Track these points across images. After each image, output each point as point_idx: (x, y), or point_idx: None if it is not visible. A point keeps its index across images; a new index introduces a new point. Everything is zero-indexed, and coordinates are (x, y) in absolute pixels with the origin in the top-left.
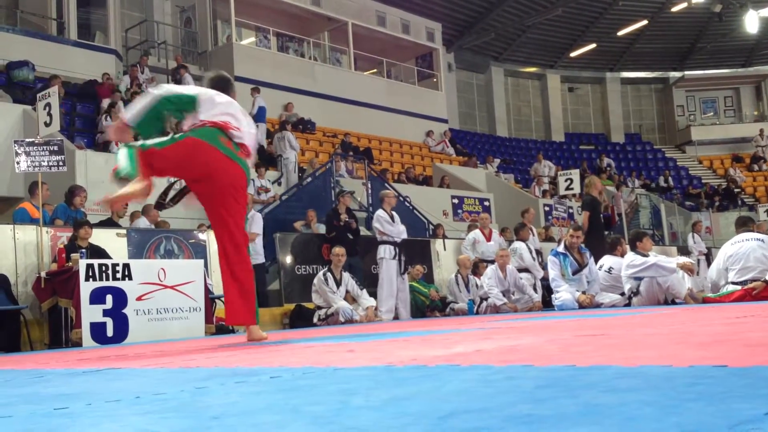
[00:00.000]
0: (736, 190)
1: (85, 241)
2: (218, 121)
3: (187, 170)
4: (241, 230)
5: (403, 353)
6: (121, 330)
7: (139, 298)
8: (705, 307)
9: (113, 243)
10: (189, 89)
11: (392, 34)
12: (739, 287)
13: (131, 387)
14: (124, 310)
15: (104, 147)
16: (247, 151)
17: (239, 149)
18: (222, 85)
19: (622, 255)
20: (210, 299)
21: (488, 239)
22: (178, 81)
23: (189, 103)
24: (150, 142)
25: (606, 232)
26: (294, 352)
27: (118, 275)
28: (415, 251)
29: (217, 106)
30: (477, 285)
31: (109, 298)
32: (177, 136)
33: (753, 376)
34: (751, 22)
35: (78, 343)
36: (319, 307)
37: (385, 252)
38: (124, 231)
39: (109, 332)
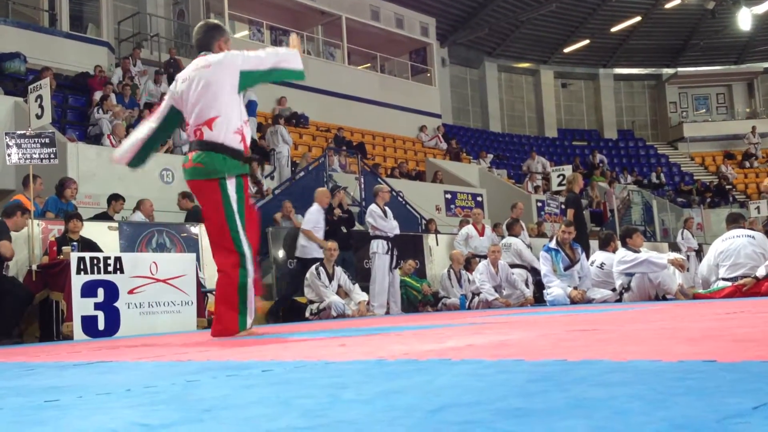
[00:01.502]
0: (727, 186)
1: (76, 234)
2: (191, 132)
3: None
4: (220, 244)
5: (394, 347)
6: (113, 323)
7: (130, 292)
8: (695, 302)
9: (105, 236)
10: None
11: (386, 29)
12: (729, 283)
13: (122, 380)
14: (116, 304)
15: (95, 139)
16: (199, 135)
17: (190, 153)
18: (203, 42)
19: (614, 251)
20: (202, 293)
21: (481, 234)
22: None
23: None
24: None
25: (598, 228)
26: (286, 346)
27: (110, 268)
28: (408, 246)
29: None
30: (469, 280)
31: (100, 291)
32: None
33: (742, 371)
34: (744, 19)
35: (69, 337)
36: (312, 302)
37: (377, 247)
38: (115, 224)
39: (101, 325)
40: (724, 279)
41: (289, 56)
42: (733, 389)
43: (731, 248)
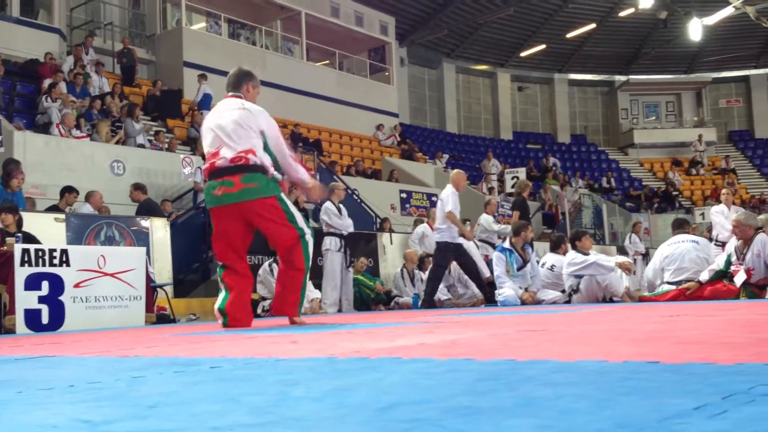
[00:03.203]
0: (674, 192)
1: (10, 228)
2: (205, 168)
3: (229, 238)
4: (283, 243)
5: (346, 345)
6: (57, 317)
7: (76, 285)
8: (641, 305)
9: (51, 228)
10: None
11: (345, 26)
12: (673, 287)
13: (65, 375)
14: (61, 297)
15: (44, 128)
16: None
17: (232, 177)
18: (235, 84)
19: (565, 253)
20: (151, 288)
21: None
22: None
23: None
24: None
25: (549, 230)
26: (236, 342)
27: (56, 261)
28: (362, 244)
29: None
30: (422, 279)
31: (45, 284)
32: None
33: (684, 372)
34: (694, 29)
35: (11, 330)
36: (264, 298)
37: (330, 244)
38: (62, 216)
39: (45, 319)
40: (668, 282)
41: (299, 172)
42: (675, 390)
43: (676, 253)
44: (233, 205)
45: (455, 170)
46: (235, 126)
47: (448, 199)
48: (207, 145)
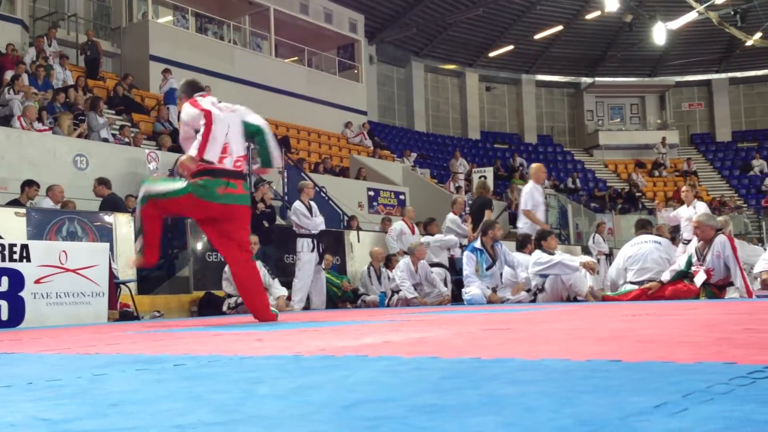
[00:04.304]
0: (637, 194)
1: None
2: (215, 163)
3: (189, 215)
4: (246, 245)
5: (311, 343)
6: (17, 313)
7: (37, 281)
8: (604, 304)
9: (11, 223)
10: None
11: (314, 23)
12: (636, 287)
13: (24, 372)
14: (21, 293)
15: (5, 121)
16: (239, 167)
17: (236, 181)
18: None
19: (530, 253)
20: (114, 284)
21: (413, 232)
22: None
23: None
24: (156, 189)
25: (516, 230)
26: (200, 340)
27: (15, 256)
28: (329, 242)
29: (217, 137)
30: (389, 277)
31: (4, 279)
32: (179, 189)
33: (645, 370)
34: (659, 33)
35: None
36: (230, 296)
37: (303, 246)
38: (23, 210)
39: (4, 316)
40: (631, 282)
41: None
42: (636, 388)
43: (639, 253)
44: (226, 205)
45: (534, 164)
46: (237, 132)
47: (528, 196)
48: (219, 136)
